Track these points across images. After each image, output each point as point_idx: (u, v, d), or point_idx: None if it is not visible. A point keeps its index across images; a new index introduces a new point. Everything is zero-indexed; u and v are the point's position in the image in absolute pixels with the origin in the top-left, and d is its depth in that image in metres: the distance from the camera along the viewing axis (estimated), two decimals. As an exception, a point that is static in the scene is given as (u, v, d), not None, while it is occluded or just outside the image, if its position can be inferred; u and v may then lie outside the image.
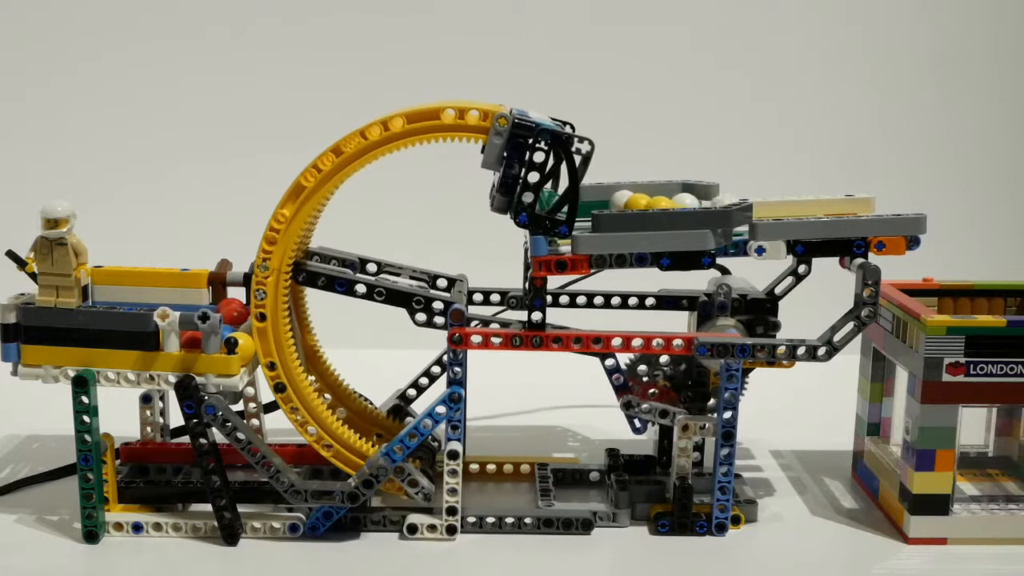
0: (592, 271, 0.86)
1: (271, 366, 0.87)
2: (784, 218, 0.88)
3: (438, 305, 0.92)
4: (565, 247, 0.86)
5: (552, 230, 0.85)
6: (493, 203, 0.86)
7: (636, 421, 0.95)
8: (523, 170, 0.84)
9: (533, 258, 0.85)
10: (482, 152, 0.85)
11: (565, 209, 0.84)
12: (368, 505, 0.90)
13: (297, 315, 0.96)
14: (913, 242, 0.89)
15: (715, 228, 0.84)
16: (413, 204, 1.50)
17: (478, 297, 1.01)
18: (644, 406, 0.91)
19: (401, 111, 0.85)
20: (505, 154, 0.84)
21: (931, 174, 1.55)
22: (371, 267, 0.97)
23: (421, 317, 0.93)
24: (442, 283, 0.99)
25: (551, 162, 0.84)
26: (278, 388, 0.87)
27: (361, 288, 0.92)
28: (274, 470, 0.87)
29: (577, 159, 0.86)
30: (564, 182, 0.85)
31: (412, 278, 0.98)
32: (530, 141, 0.83)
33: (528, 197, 0.84)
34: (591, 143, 0.88)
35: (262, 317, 0.86)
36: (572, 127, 0.88)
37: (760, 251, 0.88)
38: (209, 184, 1.48)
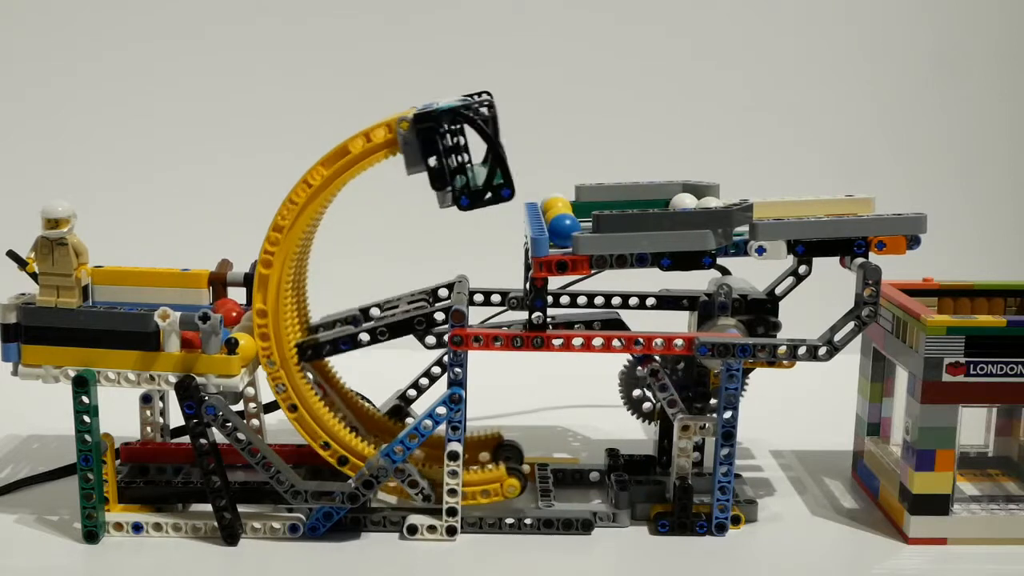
0: (593, 272, 0.86)
1: (325, 446, 0.87)
2: (784, 218, 0.88)
3: (440, 316, 0.91)
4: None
5: (497, 199, 0.84)
6: (440, 201, 0.86)
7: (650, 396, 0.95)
8: (444, 157, 0.83)
9: (534, 259, 0.85)
10: None
11: (499, 174, 0.84)
12: (368, 505, 0.90)
13: (330, 384, 0.96)
14: (913, 241, 0.89)
15: (715, 228, 0.84)
16: (413, 205, 1.49)
17: (479, 298, 1.01)
18: (665, 383, 0.91)
19: (317, 161, 0.85)
20: (421, 152, 0.83)
21: (931, 174, 1.55)
22: (374, 311, 0.98)
23: (430, 340, 0.92)
24: (443, 292, 0.99)
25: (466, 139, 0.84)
26: (341, 462, 0.88)
27: (364, 337, 0.90)
28: (274, 470, 0.87)
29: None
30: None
31: (410, 303, 0.97)
32: (438, 128, 0.82)
33: (460, 180, 0.83)
34: (490, 104, 0.86)
35: (293, 408, 0.87)
36: (488, 93, 0.87)
37: (761, 251, 0.88)
38: (209, 184, 1.48)
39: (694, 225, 0.84)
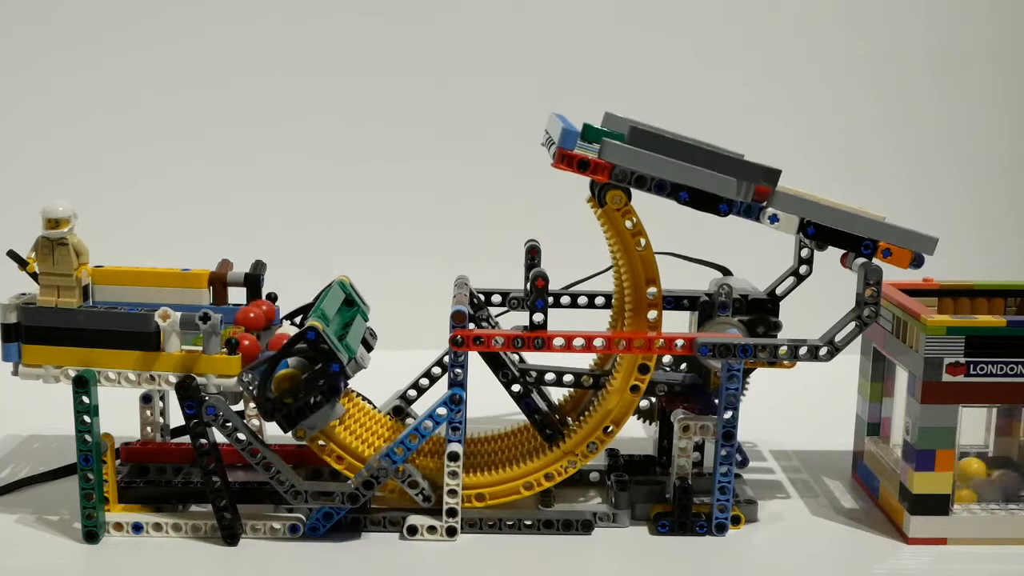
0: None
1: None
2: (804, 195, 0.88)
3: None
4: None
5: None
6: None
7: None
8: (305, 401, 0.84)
9: (559, 149, 0.83)
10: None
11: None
12: (368, 506, 0.90)
13: None
14: (917, 260, 0.88)
15: (741, 179, 0.84)
16: (413, 205, 1.50)
17: (479, 298, 1.01)
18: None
19: None
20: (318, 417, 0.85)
21: (931, 174, 1.55)
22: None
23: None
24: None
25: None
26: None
27: None
28: (274, 470, 0.87)
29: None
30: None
31: None
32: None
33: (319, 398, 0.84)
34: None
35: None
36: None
37: (774, 219, 0.87)
38: (209, 184, 1.48)
39: (723, 170, 0.84)
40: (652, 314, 0.87)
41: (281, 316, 0.93)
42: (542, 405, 0.95)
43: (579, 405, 1.00)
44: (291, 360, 0.83)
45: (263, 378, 0.83)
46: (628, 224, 0.86)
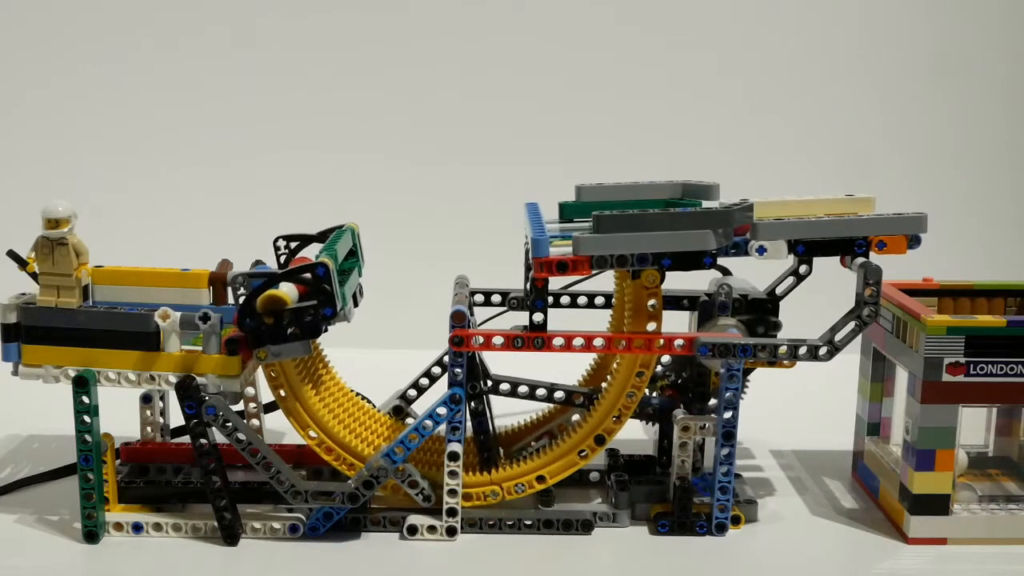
0: (594, 272, 0.86)
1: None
2: (785, 218, 0.88)
3: None
4: (566, 248, 0.86)
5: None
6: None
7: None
8: (296, 321, 0.83)
9: (535, 259, 0.85)
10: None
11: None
12: (368, 506, 0.90)
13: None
14: (914, 241, 0.89)
15: (716, 228, 0.84)
16: (413, 204, 1.50)
17: (479, 298, 1.01)
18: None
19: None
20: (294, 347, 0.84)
21: (931, 174, 1.55)
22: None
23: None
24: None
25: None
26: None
27: None
28: (274, 470, 0.87)
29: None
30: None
31: None
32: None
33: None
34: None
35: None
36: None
37: (761, 251, 0.88)
38: (209, 184, 1.48)
39: (695, 225, 0.84)
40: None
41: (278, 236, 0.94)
42: (491, 429, 0.95)
43: (518, 440, 1.01)
44: (283, 284, 0.83)
45: (255, 290, 0.82)
46: (651, 304, 0.87)
